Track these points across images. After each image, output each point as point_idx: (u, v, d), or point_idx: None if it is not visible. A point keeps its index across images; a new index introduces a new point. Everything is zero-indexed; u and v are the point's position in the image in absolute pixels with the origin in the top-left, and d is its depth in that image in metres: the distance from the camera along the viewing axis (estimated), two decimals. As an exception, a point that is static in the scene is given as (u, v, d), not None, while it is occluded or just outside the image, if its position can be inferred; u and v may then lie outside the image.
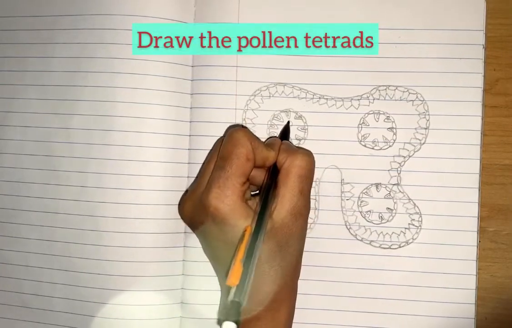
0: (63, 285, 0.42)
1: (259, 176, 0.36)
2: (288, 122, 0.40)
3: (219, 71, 0.41)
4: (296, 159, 0.35)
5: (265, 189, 0.35)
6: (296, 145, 0.40)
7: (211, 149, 0.40)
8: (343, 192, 0.40)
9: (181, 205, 0.39)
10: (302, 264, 0.38)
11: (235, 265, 0.30)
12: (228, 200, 0.33)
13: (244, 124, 0.41)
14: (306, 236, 0.38)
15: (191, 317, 0.41)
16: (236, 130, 0.35)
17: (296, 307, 0.38)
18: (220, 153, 0.35)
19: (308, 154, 0.36)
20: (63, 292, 0.42)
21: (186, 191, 0.41)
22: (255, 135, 0.36)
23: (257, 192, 0.38)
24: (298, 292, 0.39)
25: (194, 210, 0.36)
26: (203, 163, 0.40)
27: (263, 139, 0.41)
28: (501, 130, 0.40)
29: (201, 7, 0.41)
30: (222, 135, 0.40)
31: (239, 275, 0.30)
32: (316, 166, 0.39)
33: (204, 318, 0.41)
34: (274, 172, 0.36)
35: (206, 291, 0.41)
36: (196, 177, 0.40)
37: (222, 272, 0.36)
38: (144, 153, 0.40)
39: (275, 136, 0.40)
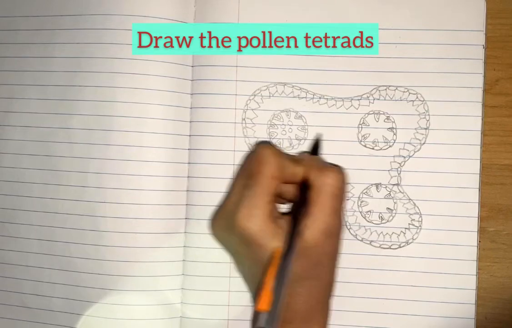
0: (63, 285, 0.42)
1: (289, 191, 0.35)
2: (318, 136, 0.40)
3: (219, 71, 0.41)
4: (328, 177, 0.34)
5: (295, 206, 0.34)
6: (297, 145, 0.40)
7: (240, 164, 0.39)
8: (343, 192, 0.40)
9: (212, 223, 0.38)
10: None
11: (264, 290, 0.30)
12: (255, 219, 0.32)
13: (244, 124, 0.41)
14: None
15: (191, 317, 0.41)
16: (261, 147, 0.34)
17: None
18: (246, 171, 0.35)
19: (341, 172, 0.34)
20: (63, 292, 0.42)
21: (215, 209, 0.40)
22: (282, 151, 0.35)
23: (287, 209, 0.38)
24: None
25: (224, 228, 0.35)
26: (232, 178, 0.40)
27: (261, 139, 0.41)
28: (501, 130, 0.40)
29: (201, 7, 0.41)
30: (248, 150, 0.39)
31: (268, 301, 0.29)
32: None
33: (204, 318, 0.41)
34: (304, 188, 0.35)
35: (206, 291, 0.41)
36: (226, 192, 0.40)
37: (254, 291, 0.35)
38: (144, 154, 0.40)
39: (305, 152, 0.39)
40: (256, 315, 0.33)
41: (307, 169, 0.34)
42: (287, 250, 0.31)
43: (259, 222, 0.33)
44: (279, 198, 0.36)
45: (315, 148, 0.39)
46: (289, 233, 0.32)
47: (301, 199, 0.34)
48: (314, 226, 0.33)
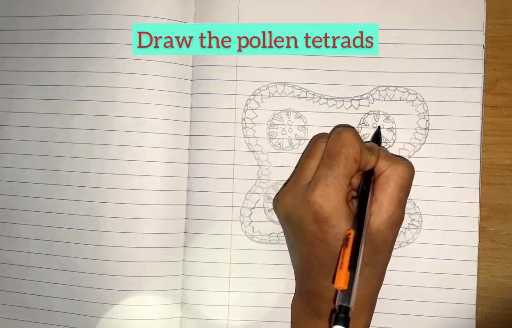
0: (63, 285, 0.42)
1: (354, 179, 0.36)
2: (379, 127, 0.40)
3: (219, 71, 0.41)
4: (398, 168, 0.35)
5: (362, 193, 0.35)
6: (296, 145, 0.40)
7: (308, 146, 0.39)
8: (343, 192, 0.40)
9: (279, 199, 0.37)
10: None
11: (342, 269, 0.31)
12: (334, 199, 0.33)
13: (244, 124, 0.41)
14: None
15: (191, 317, 0.41)
16: (345, 130, 0.35)
17: (296, 307, 0.39)
18: (328, 151, 0.35)
19: (410, 166, 0.35)
20: (63, 292, 0.42)
21: (282, 187, 0.40)
22: (361, 138, 0.35)
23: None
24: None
25: (295, 204, 0.35)
26: (301, 158, 0.40)
27: (264, 140, 0.41)
28: (501, 130, 0.40)
29: (201, 7, 0.41)
30: (321, 132, 0.40)
31: (347, 279, 0.30)
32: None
33: (204, 318, 0.41)
34: (369, 177, 0.35)
35: (206, 291, 0.41)
36: (293, 172, 0.40)
37: (316, 272, 0.35)
38: (145, 154, 0.40)
39: (371, 141, 0.39)
40: (319, 289, 0.33)
41: (378, 158, 0.35)
42: (357, 233, 0.32)
43: (336, 202, 0.33)
44: None
45: (377, 138, 0.39)
46: (357, 218, 0.33)
47: (365, 186, 0.35)
48: (379, 213, 0.34)
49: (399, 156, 0.38)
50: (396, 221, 0.34)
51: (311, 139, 0.40)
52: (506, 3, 0.40)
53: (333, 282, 0.31)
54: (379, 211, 0.34)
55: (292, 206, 0.36)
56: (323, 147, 0.35)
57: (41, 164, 0.42)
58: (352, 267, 0.31)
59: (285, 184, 0.40)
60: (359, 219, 0.33)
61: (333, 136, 0.35)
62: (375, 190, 0.35)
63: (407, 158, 0.40)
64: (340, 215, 0.33)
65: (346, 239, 0.32)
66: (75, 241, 0.41)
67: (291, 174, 0.40)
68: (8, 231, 0.42)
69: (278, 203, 0.37)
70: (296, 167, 0.40)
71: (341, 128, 0.35)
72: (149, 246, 0.40)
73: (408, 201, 0.39)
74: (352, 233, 0.32)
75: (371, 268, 0.34)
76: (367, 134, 0.40)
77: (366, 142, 0.39)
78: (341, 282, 0.30)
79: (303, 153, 0.40)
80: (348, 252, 0.31)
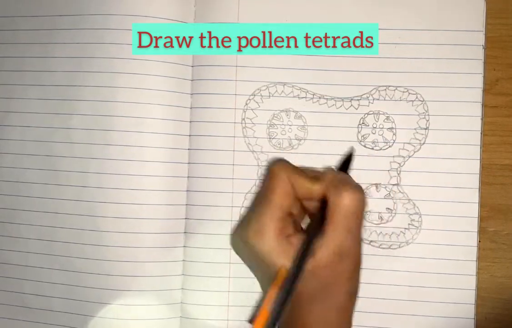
0: (63, 285, 0.42)
1: (314, 206, 0.34)
2: (351, 153, 0.38)
3: (219, 71, 0.41)
4: (343, 195, 0.32)
5: (311, 224, 0.33)
6: (296, 145, 0.40)
7: (260, 179, 0.39)
8: (343, 192, 0.40)
9: (231, 236, 0.38)
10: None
11: (261, 310, 0.29)
12: (265, 237, 0.32)
13: (243, 124, 0.41)
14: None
15: (190, 317, 0.41)
16: (273, 163, 0.34)
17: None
18: (259, 187, 0.34)
19: (357, 191, 0.32)
20: (62, 292, 0.42)
21: (238, 220, 0.40)
22: (296, 168, 0.34)
23: (303, 226, 0.36)
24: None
25: (239, 246, 0.36)
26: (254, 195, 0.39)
27: (264, 140, 0.41)
28: (501, 130, 0.40)
29: (201, 7, 0.41)
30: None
31: (263, 321, 0.29)
32: (315, 166, 0.39)
33: (204, 319, 0.41)
34: (324, 206, 0.33)
35: (206, 291, 0.41)
36: (246, 207, 0.40)
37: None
38: (144, 153, 0.40)
39: (331, 167, 0.37)
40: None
41: (326, 187, 0.33)
42: (295, 269, 0.30)
43: (268, 239, 0.32)
44: (303, 212, 0.34)
45: (345, 163, 0.37)
46: (300, 251, 0.31)
47: (320, 216, 0.33)
48: (326, 245, 0.32)
49: (350, 181, 0.34)
50: (346, 251, 0.32)
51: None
52: (506, 3, 0.40)
53: (250, 321, 0.29)
54: (326, 242, 0.32)
55: (237, 247, 0.36)
56: None
57: (41, 163, 0.42)
58: (279, 305, 0.29)
59: (239, 219, 0.40)
60: (302, 253, 0.31)
61: (264, 171, 0.34)
62: (325, 221, 0.32)
63: (406, 158, 0.40)
64: (274, 252, 0.32)
65: (276, 277, 0.30)
66: (74, 241, 0.41)
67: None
68: (8, 231, 0.42)
69: (230, 241, 0.37)
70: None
71: (271, 162, 0.34)
72: (149, 246, 0.40)
73: (408, 201, 0.40)
74: (282, 270, 0.31)
75: (325, 301, 0.32)
76: (367, 134, 0.40)
77: (326, 168, 0.37)
78: (257, 323, 0.29)
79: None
80: (272, 291, 0.30)
